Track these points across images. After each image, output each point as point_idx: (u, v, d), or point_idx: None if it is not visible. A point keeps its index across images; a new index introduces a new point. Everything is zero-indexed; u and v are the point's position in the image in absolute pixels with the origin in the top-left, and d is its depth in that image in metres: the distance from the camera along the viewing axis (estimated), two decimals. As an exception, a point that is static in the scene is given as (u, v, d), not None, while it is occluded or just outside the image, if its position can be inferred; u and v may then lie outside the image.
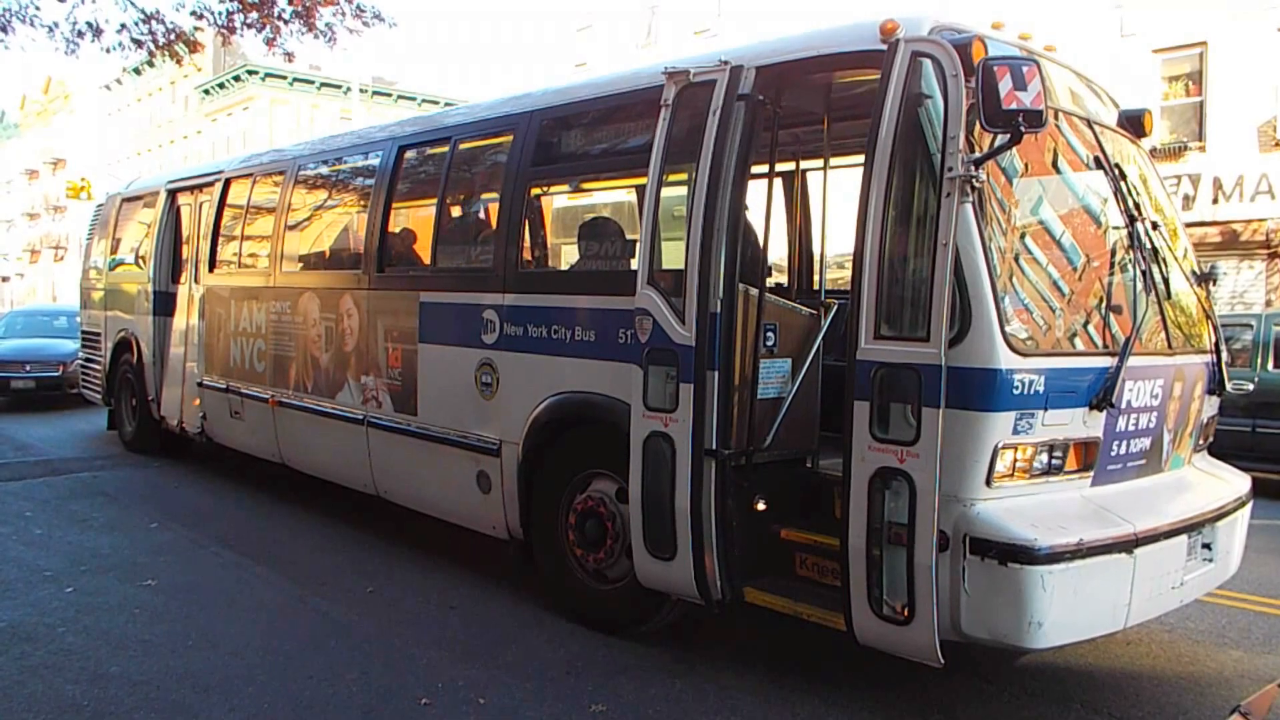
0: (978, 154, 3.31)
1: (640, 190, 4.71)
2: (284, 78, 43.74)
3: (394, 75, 49.43)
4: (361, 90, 38.16)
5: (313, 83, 44.88)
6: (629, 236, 4.72)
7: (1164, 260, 4.06)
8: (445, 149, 5.74)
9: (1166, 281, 4.03)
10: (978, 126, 3.39)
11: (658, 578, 4.15)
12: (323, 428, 6.58)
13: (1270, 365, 9.26)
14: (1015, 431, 3.33)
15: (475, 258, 5.57)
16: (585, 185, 5.52)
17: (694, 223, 3.91)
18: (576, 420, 4.73)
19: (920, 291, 3.37)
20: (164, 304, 9.00)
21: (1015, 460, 3.38)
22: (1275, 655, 4.67)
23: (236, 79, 44.63)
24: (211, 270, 8.14)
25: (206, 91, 46.47)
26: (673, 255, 4.07)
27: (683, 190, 4.07)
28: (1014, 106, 3.06)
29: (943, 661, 3.35)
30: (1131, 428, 3.74)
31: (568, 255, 5.29)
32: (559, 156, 5.09)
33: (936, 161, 3.35)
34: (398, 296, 5.91)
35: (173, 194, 9.16)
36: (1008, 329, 3.30)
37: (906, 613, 3.36)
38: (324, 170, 7.20)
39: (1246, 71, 16.64)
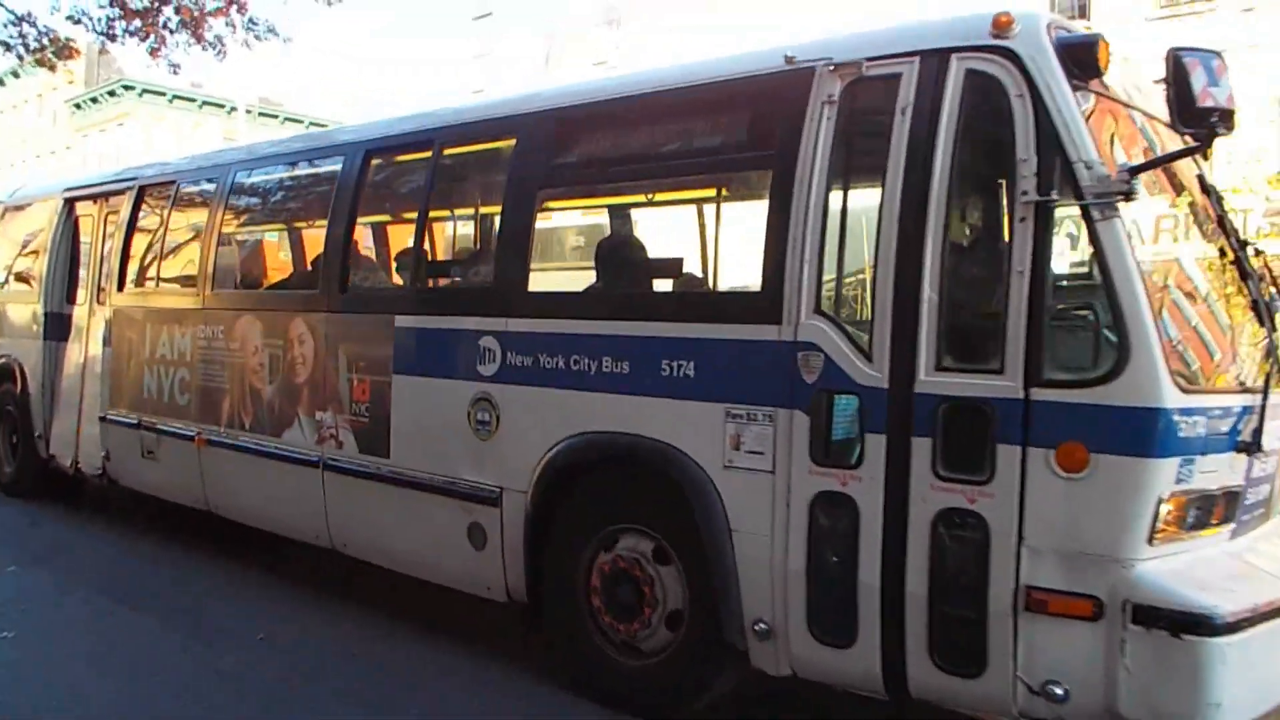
0: (1133, 162, 2.92)
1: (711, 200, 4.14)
2: (163, 94, 41.54)
3: (280, 96, 47.50)
4: (248, 110, 36.50)
5: (194, 101, 42.79)
6: (674, 254, 4.14)
7: (1269, 288, 3.75)
8: (427, 154, 5.02)
9: (1273, 310, 3.72)
10: (1107, 135, 3.05)
11: (824, 667, 3.48)
12: (265, 470, 5.69)
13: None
14: (1178, 480, 2.92)
15: (469, 277, 4.88)
16: (617, 196, 4.90)
17: (886, 241, 3.30)
18: (603, 465, 4.10)
19: (993, 321, 3.09)
20: (57, 327, 7.86)
21: (1173, 514, 2.96)
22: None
23: (111, 94, 42.17)
24: (121, 289, 7.11)
25: (78, 105, 43.72)
26: (849, 279, 3.48)
27: (851, 201, 3.49)
28: (1209, 104, 2.67)
29: (1019, 715, 3.06)
30: (1260, 473, 3.38)
31: (589, 275, 4.65)
32: (585, 162, 4.46)
33: (1007, 184, 3.12)
34: (365, 320, 5.14)
35: (70, 203, 8.06)
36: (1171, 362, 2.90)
37: (978, 665, 3.07)
38: (268, 178, 6.35)
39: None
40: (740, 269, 4.09)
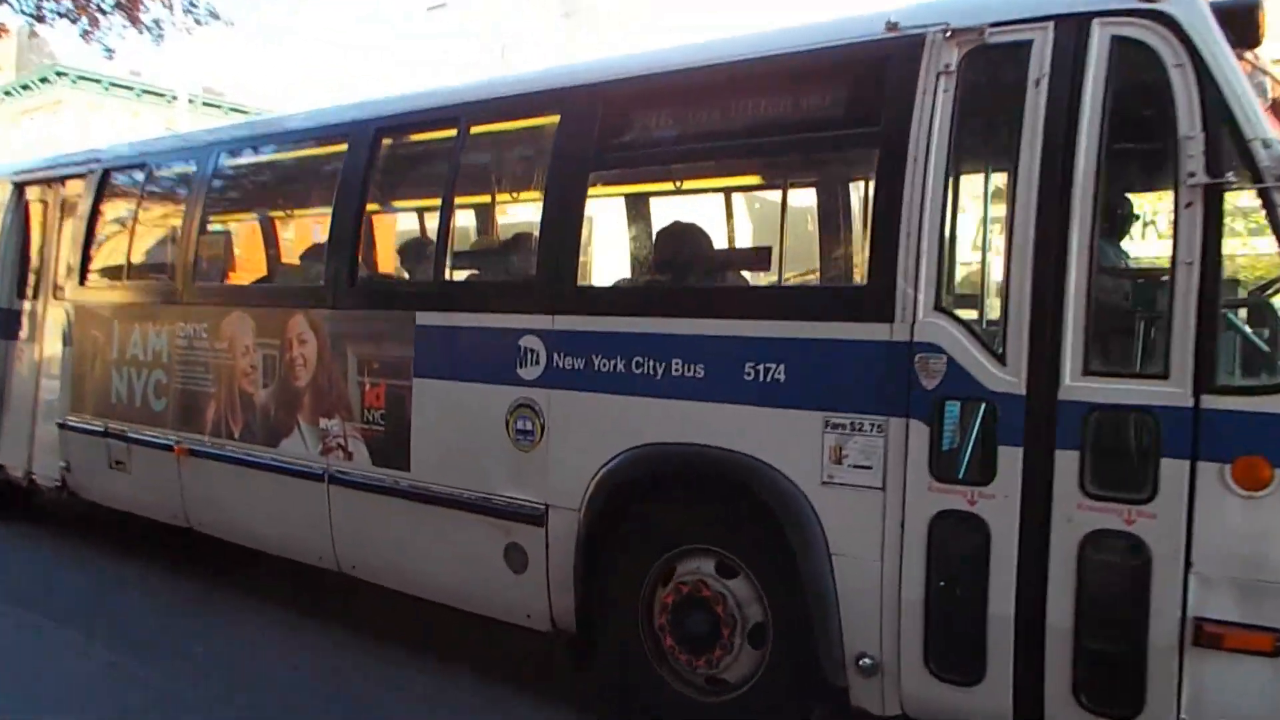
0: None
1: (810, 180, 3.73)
2: (98, 82, 39.67)
3: (224, 86, 45.86)
4: (190, 99, 35.09)
5: (132, 89, 40.97)
6: (759, 242, 3.73)
7: None
8: (451, 132, 4.53)
9: None
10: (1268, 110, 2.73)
11: (942, 706, 3.11)
12: (258, 484, 5.15)
13: None
14: None
15: (505, 269, 4.41)
16: (681, 178, 4.45)
17: (1022, 228, 2.93)
18: (673, 480, 3.69)
19: (1155, 319, 2.81)
20: (6, 325, 7.18)
21: None
22: None
23: (44, 80, 40.24)
24: (84, 283, 6.47)
25: (7, 92, 41.70)
26: (974, 272, 3.12)
27: (974, 184, 3.12)
28: None
29: None
30: None
31: (651, 266, 4.20)
32: (646, 140, 4.00)
33: (1167, 164, 2.77)
34: (380, 317, 4.65)
35: (20, 188, 7.36)
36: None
37: (1133, 706, 2.76)
38: (258, 160, 5.78)
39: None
40: (836, 260, 3.69)
